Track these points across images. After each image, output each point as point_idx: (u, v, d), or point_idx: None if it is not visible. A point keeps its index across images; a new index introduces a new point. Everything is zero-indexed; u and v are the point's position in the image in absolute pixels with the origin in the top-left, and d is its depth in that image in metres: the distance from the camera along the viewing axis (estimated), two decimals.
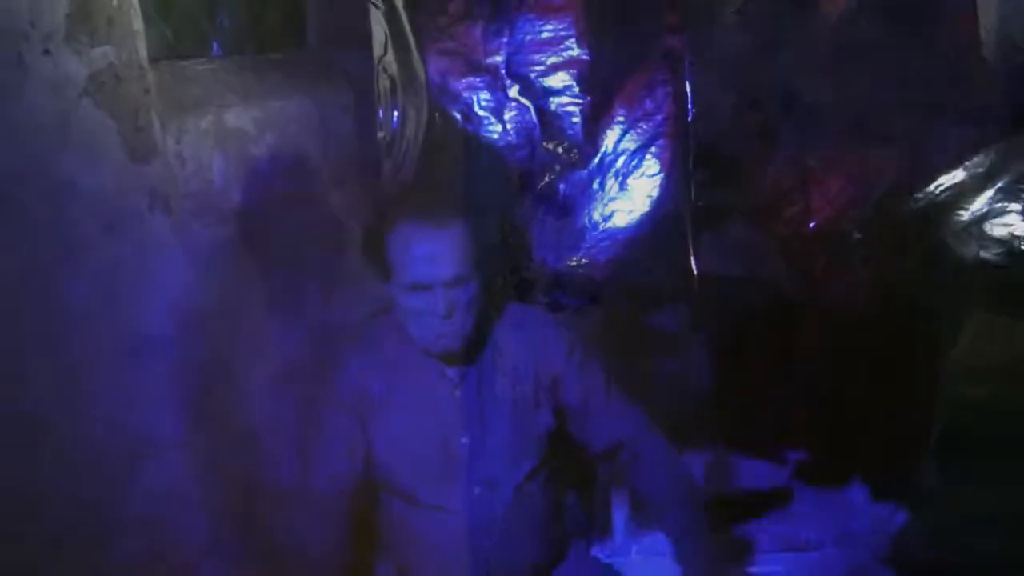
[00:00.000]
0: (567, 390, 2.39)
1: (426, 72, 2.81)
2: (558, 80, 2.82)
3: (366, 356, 2.38)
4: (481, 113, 2.86)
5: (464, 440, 2.34)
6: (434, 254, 2.17)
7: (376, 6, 2.76)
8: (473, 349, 2.32)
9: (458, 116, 2.86)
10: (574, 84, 2.81)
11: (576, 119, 2.84)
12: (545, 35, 2.79)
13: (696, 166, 2.78)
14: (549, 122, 2.85)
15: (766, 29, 2.67)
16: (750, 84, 2.72)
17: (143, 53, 2.03)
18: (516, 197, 2.88)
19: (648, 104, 2.80)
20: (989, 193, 2.66)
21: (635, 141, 2.82)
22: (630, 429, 2.44)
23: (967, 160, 2.66)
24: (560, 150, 2.86)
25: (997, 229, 2.66)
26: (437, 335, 2.23)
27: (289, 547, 2.54)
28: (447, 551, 2.36)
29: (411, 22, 2.79)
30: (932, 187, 2.68)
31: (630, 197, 2.84)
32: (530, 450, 2.39)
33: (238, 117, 2.41)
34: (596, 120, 2.83)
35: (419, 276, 2.17)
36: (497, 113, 2.86)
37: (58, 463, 1.81)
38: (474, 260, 2.22)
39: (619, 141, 2.83)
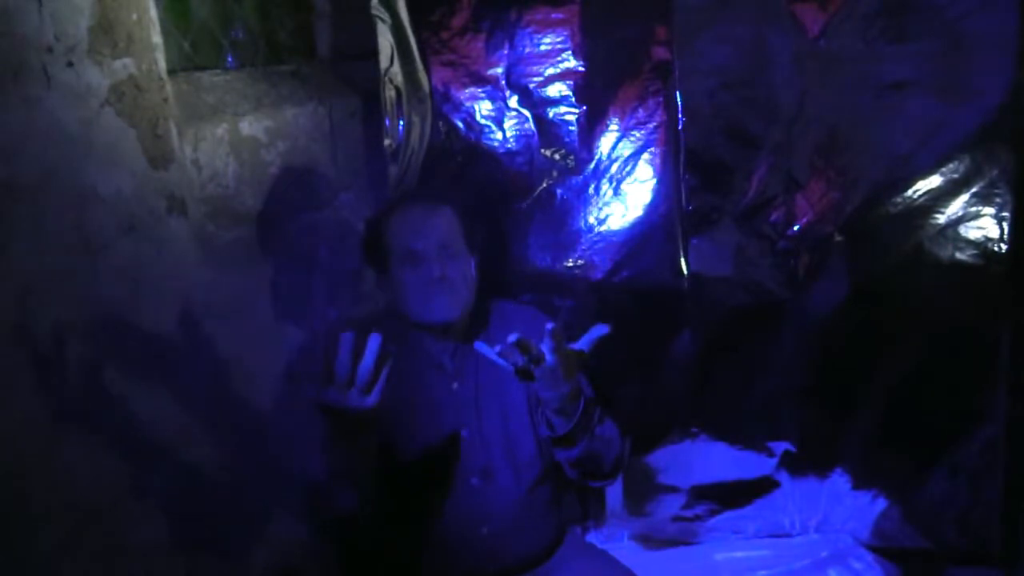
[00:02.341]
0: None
1: (430, 83, 2.86)
2: (555, 90, 2.84)
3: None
4: (482, 122, 2.88)
5: (464, 433, 2.39)
6: (425, 226, 2.28)
7: (383, 20, 2.80)
8: (471, 325, 2.40)
9: (460, 124, 2.89)
10: (570, 94, 2.83)
11: (572, 127, 2.85)
12: (543, 48, 2.81)
13: (687, 172, 2.80)
14: (547, 130, 2.87)
15: (750, 41, 2.71)
16: (736, 94, 2.75)
17: (162, 65, 2.10)
18: (514, 200, 2.92)
19: (640, 113, 2.81)
20: (964, 198, 2.70)
21: (628, 148, 2.84)
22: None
23: (943, 166, 2.70)
24: (557, 157, 2.88)
25: (972, 232, 2.71)
26: (434, 303, 2.30)
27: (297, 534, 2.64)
28: (446, 540, 2.41)
29: (416, 35, 2.83)
30: (910, 192, 2.72)
31: (624, 201, 2.86)
32: (527, 443, 2.45)
33: (251, 125, 2.49)
34: (591, 128, 2.85)
35: (411, 242, 2.27)
36: (497, 122, 2.88)
37: (84, 451, 1.88)
38: (467, 240, 2.34)
39: (613, 148, 2.85)
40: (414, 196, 2.39)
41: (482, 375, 2.42)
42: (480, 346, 2.11)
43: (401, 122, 2.89)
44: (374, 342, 1.95)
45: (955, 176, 2.71)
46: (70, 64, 1.82)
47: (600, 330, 2.11)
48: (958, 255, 2.74)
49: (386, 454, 2.30)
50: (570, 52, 2.81)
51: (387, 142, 2.91)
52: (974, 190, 2.71)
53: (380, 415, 2.21)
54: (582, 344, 2.11)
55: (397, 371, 2.34)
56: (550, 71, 2.84)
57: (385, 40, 2.84)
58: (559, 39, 2.81)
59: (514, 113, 2.88)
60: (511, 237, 2.92)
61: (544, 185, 2.91)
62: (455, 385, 2.42)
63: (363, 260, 2.48)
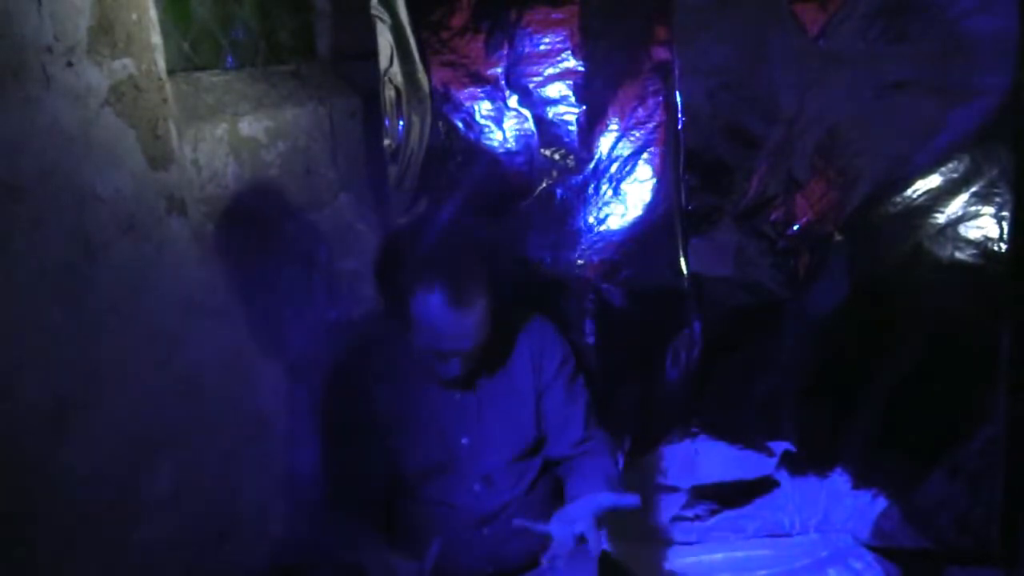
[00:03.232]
0: (547, 406, 2.47)
1: (430, 83, 2.85)
2: (555, 90, 2.83)
3: (370, 358, 2.45)
4: (482, 122, 2.87)
5: (464, 440, 2.42)
6: (459, 333, 2.22)
7: (382, 20, 2.80)
8: (475, 376, 2.41)
9: (460, 124, 2.88)
10: (570, 94, 2.82)
11: (572, 127, 2.84)
12: (543, 48, 2.80)
13: (686, 172, 2.80)
14: (547, 130, 2.86)
15: (750, 41, 2.71)
16: (736, 94, 2.75)
17: (161, 65, 2.09)
18: (514, 201, 2.91)
19: (640, 113, 2.81)
20: (964, 197, 2.71)
21: (628, 148, 2.84)
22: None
23: (943, 166, 2.71)
24: (557, 156, 2.87)
25: (971, 231, 2.72)
26: (450, 377, 2.33)
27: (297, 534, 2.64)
28: (450, 543, 2.36)
29: (415, 35, 2.81)
30: (910, 191, 2.73)
31: (623, 201, 2.86)
32: (528, 446, 2.47)
33: (251, 125, 2.48)
34: (591, 128, 2.84)
35: (442, 348, 2.25)
36: (497, 121, 2.87)
37: (83, 447, 1.86)
38: (490, 319, 2.27)
39: (613, 148, 2.85)
40: (442, 278, 2.18)
41: (483, 383, 2.45)
42: (519, 522, 2.20)
43: (401, 122, 2.88)
44: (434, 548, 2.14)
45: (955, 176, 2.71)
46: (70, 64, 1.82)
47: (631, 500, 2.20)
48: (958, 255, 2.74)
49: (390, 461, 2.36)
50: (570, 52, 2.80)
51: (387, 142, 2.90)
52: (974, 190, 2.72)
53: (385, 422, 2.32)
54: (609, 503, 2.17)
55: (399, 377, 2.39)
56: (550, 71, 2.83)
57: (385, 40, 2.83)
58: (559, 39, 2.80)
59: (514, 113, 2.87)
60: (512, 239, 2.92)
61: (544, 185, 2.90)
62: (457, 395, 2.43)
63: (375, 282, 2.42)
